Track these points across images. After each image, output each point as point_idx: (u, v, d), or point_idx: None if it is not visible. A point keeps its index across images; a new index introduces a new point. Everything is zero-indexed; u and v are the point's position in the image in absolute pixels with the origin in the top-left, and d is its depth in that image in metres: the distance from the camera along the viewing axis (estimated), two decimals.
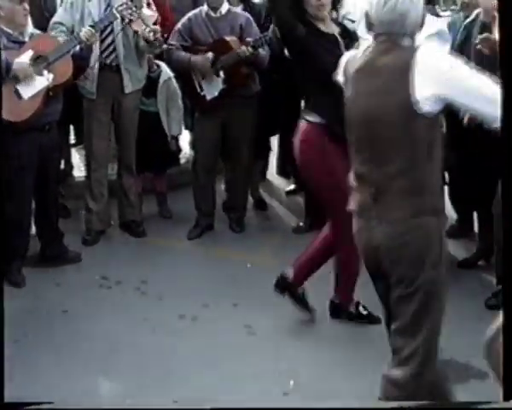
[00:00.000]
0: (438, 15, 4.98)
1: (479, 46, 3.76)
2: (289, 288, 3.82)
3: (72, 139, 6.05)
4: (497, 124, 2.32)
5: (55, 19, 4.70)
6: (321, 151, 3.56)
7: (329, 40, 3.58)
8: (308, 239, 4.83)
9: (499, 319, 2.19)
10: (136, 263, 4.61)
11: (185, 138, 5.94)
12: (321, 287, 3.92)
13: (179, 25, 4.88)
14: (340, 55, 2.91)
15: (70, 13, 4.68)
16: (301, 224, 5.06)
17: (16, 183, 4.16)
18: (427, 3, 4.26)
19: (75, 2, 4.68)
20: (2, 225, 3.48)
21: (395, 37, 2.53)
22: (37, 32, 4.46)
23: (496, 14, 3.43)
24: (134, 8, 4.48)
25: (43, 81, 4.18)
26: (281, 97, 5.04)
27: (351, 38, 3.60)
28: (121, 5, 4.46)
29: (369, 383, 3.14)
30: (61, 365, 3.47)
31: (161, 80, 5.14)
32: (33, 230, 4.59)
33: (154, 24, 4.69)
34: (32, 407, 2.19)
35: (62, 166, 5.64)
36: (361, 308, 3.84)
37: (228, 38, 4.75)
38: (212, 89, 4.83)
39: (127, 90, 4.82)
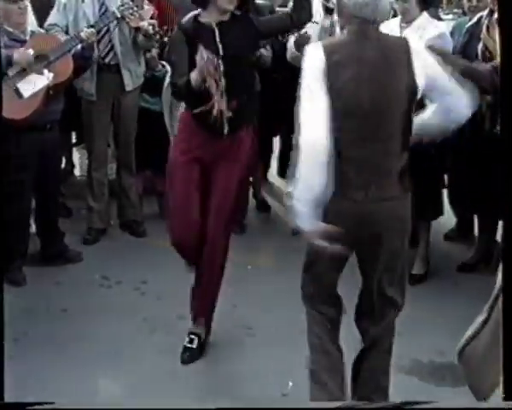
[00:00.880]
0: (440, 19, 4.98)
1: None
2: None
3: (74, 139, 6.06)
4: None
5: (49, 21, 4.69)
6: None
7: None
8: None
9: (475, 324, 2.22)
10: (136, 263, 4.61)
11: None
12: None
13: None
14: None
15: (63, 14, 4.68)
16: None
17: (16, 182, 4.17)
18: (429, 6, 4.29)
19: (68, 3, 4.68)
20: (2, 224, 3.47)
21: (369, 22, 2.66)
22: (39, 30, 4.47)
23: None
24: (135, 8, 4.49)
25: (43, 80, 4.18)
26: (282, 97, 5.03)
27: None
28: (122, 5, 4.47)
29: None
30: (60, 364, 3.48)
31: (167, 80, 5.15)
32: (34, 228, 4.60)
33: (151, 18, 4.71)
34: (34, 407, 2.19)
35: (63, 165, 5.66)
36: None
37: None
38: None
39: (128, 88, 4.83)
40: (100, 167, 4.95)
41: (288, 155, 2.79)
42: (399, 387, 3.11)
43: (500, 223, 3.88)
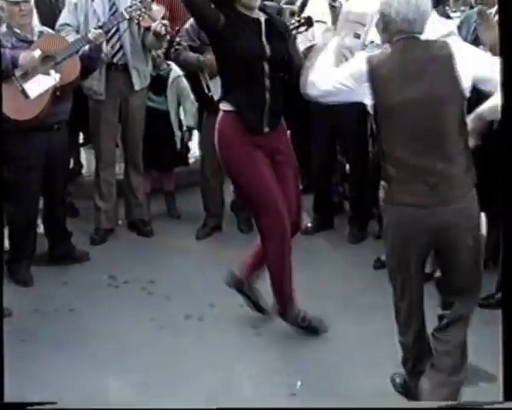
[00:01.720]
0: (448, 17, 4.96)
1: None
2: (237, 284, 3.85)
3: (81, 139, 6.07)
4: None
5: (60, 21, 4.71)
6: (233, 140, 3.57)
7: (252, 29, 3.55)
8: (315, 239, 4.85)
9: None
10: (143, 263, 4.61)
11: (194, 139, 5.94)
12: (326, 289, 3.92)
13: (187, 25, 4.87)
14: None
15: (74, 14, 4.70)
16: (309, 224, 5.04)
17: (24, 182, 4.18)
18: (438, 5, 4.27)
19: (79, 3, 4.70)
20: (2, 224, 3.49)
21: (416, 34, 2.78)
22: (48, 30, 4.47)
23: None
24: (143, 9, 4.49)
25: (50, 81, 4.18)
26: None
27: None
28: (130, 6, 4.47)
29: (376, 384, 3.14)
30: (68, 363, 3.47)
31: (171, 78, 5.17)
32: (41, 229, 4.61)
33: (163, 18, 4.71)
34: (34, 407, 2.19)
35: (71, 165, 5.67)
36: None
37: None
38: (219, 89, 4.81)
39: (136, 88, 4.84)
40: (108, 167, 4.96)
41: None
42: None
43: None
